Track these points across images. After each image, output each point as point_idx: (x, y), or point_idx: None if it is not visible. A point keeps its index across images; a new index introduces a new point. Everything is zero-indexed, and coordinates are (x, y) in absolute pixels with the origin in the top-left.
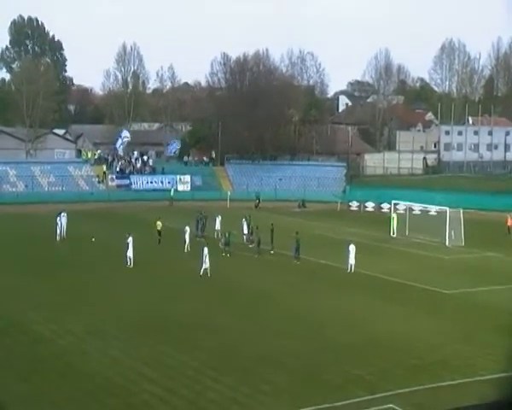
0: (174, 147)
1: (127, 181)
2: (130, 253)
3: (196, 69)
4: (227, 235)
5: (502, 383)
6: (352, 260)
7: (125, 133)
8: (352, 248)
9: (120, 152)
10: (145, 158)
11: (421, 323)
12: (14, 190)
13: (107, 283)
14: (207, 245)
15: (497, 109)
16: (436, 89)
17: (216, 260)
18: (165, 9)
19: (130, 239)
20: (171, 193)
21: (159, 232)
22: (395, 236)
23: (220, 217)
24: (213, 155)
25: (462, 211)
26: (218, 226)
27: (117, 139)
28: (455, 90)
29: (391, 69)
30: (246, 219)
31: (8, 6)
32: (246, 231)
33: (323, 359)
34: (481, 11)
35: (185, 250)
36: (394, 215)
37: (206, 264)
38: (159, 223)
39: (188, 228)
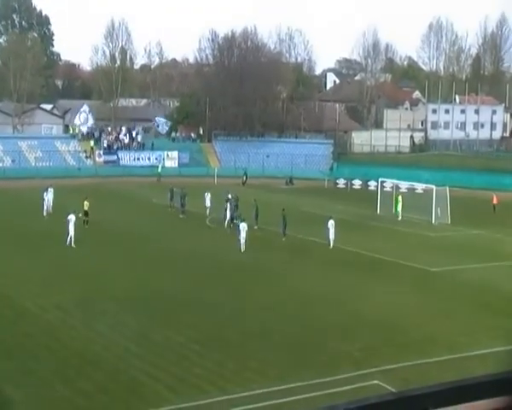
0: (163, 124)
1: (114, 157)
2: (71, 232)
3: (184, 45)
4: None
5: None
6: (331, 235)
7: (85, 107)
8: (331, 223)
9: (84, 127)
10: (133, 134)
11: (408, 300)
12: (0, 165)
13: (93, 257)
14: (245, 220)
15: (483, 88)
16: (423, 67)
17: (202, 237)
18: None
19: (71, 217)
20: (159, 169)
21: (85, 213)
22: (400, 218)
23: (210, 194)
24: (201, 132)
25: (448, 189)
26: (208, 203)
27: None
28: (442, 69)
29: (379, 47)
30: (232, 198)
31: None
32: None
33: (310, 335)
34: None
35: (225, 226)
36: (400, 198)
37: (243, 238)
38: (86, 203)
39: (228, 204)
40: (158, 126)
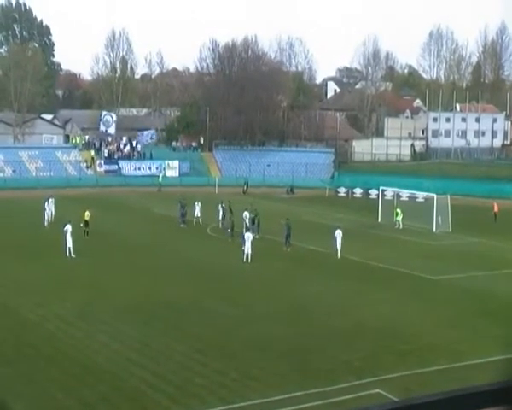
0: (148, 136)
1: (115, 166)
2: (69, 242)
3: (185, 55)
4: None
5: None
6: (339, 245)
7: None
8: (338, 233)
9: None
10: (134, 143)
11: (409, 308)
12: (1, 175)
13: (94, 267)
14: (250, 230)
15: (484, 96)
16: (424, 75)
17: (203, 246)
18: None
19: (67, 227)
20: (160, 179)
21: (86, 223)
22: (400, 227)
23: (200, 203)
24: (202, 141)
25: (449, 197)
26: (197, 213)
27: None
28: (443, 77)
29: (379, 56)
30: (246, 209)
31: None
32: (248, 220)
33: (311, 344)
34: None
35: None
36: (399, 210)
37: (249, 249)
38: (87, 213)
39: (247, 213)
40: (147, 139)
